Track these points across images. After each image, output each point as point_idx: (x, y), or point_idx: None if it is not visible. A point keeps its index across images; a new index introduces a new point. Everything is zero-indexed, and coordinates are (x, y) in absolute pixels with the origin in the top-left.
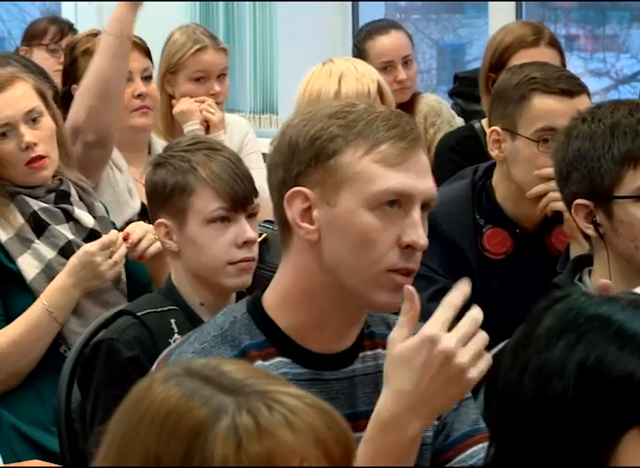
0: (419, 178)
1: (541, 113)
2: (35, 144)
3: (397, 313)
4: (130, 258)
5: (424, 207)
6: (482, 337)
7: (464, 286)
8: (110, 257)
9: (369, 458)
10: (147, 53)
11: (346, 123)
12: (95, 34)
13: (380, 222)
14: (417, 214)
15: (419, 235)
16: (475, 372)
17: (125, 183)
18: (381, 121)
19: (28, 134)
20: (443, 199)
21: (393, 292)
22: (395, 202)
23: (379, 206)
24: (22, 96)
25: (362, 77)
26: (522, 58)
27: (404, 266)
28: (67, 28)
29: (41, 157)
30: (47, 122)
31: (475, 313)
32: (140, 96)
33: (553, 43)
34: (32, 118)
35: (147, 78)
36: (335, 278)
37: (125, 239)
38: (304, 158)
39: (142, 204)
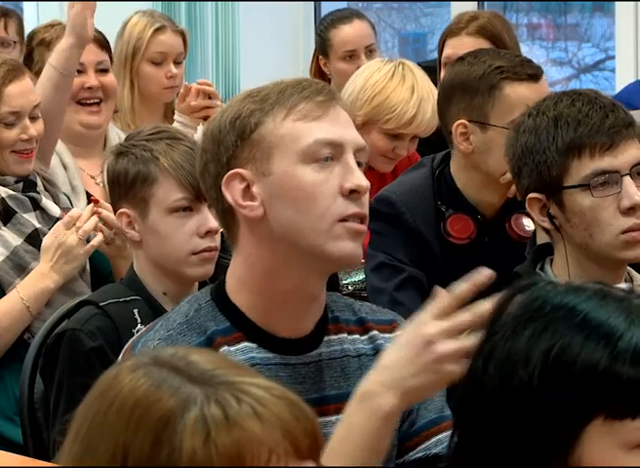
0: (344, 128)
1: (516, 102)
2: (35, 140)
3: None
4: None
5: (358, 163)
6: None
7: (480, 275)
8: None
9: (343, 431)
10: (104, 45)
11: (260, 98)
12: (52, 25)
13: (317, 176)
14: (351, 160)
15: (359, 178)
16: (455, 367)
17: (68, 181)
18: (292, 87)
19: (32, 127)
20: (404, 187)
21: (351, 240)
22: (328, 157)
23: (313, 161)
24: (31, 89)
25: (436, 105)
26: (447, 47)
27: (354, 212)
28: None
29: (32, 151)
30: (41, 121)
31: (481, 308)
32: (89, 88)
33: (479, 32)
34: (35, 114)
35: (103, 71)
36: (289, 246)
37: (95, 203)
38: (230, 142)
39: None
